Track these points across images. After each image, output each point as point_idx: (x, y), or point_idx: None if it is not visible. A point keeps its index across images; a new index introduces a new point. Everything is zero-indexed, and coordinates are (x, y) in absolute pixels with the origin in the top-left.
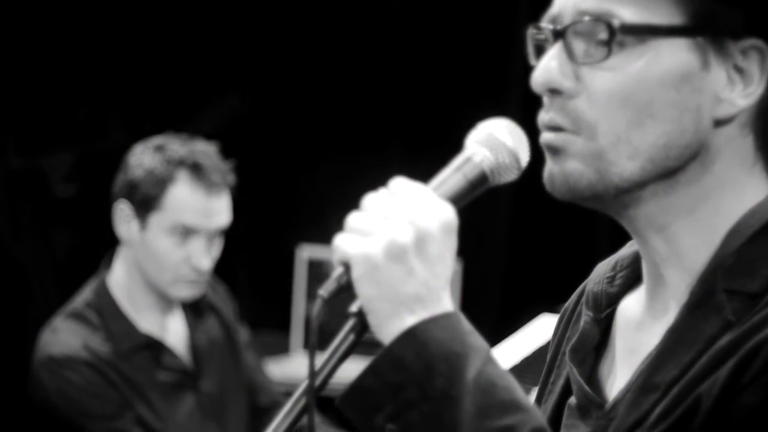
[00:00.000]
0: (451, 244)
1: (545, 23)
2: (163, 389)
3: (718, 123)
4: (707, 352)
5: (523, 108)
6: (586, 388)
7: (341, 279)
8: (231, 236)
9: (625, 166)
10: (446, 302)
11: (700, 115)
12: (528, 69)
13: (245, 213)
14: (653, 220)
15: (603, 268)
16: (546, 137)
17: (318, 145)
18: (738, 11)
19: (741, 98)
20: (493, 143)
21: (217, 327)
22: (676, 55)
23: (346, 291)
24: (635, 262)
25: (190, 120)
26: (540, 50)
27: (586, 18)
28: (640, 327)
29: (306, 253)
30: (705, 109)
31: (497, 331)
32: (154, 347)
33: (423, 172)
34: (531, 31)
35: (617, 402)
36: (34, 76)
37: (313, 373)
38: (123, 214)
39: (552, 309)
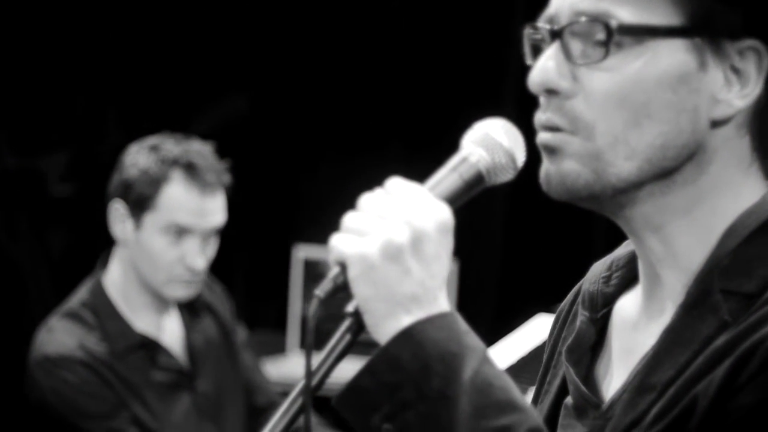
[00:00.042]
0: (447, 244)
1: (542, 23)
2: (159, 389)
3: (715, 124)
4: (703, 352)
5: (520, 108)
6: (583, 388)
7: (337, 279)
8: (228, 236)
9: (623, 166)
10: (442, 302)
11: (697, 116)
12: (524, 69)
13: (242, 213)
14: (650, 221)
15: (599, 268)
16: (543, 137)
17: (315, 145)
18: (735, 12)
19: (738, 99)
20: (489, 143)
21: (214, 327)
22: (673, 55)
23: (342, 291)
24: (631, 261)
25: (187, 120)
26: (536, 50)
27: (583, 18)
28: (637, 327)
29: (302, 252)
30: (702, 109)
31: (493, 331)
32: (150, 347)
33: (421, 172)
34: (527, 31)
35: (614, 402)
36: (31, 75)
37: (309, 373)
38: (118, 214)
39: (548, 309)
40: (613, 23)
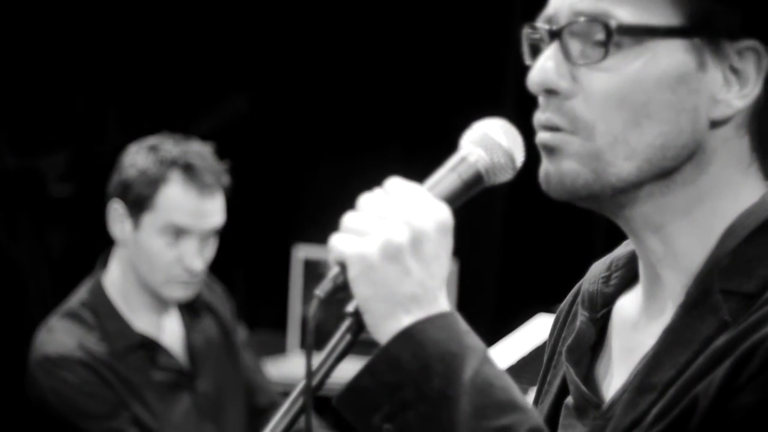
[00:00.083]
0: (446, 243)
1: (541, 23)
2: (159, 389)
3: (715, 124)
4: (704, 352)
5: (519, 108)
6: (583, 388)
7: (337, 279)
8: (228, 236)
9: (622, 166)
10: (442, 302)
11: (696, 116)
12: (524, 69)
13: (242, 213)
14: (649, 221)
15: (598, 268)
16: (542, 137)
17: (315, 146)
18: (734, 12)
19: (737, 99)
20: (488, 143)
21: (214, 327)
22: (673, 56)
23: (342, 291)
24: (631, 261)
25: (187, 120)
26: (535, 50)
27: (582, 18)
28: (637, 327)
29: (302, 253)
30: (701, 110)
31: (494, 331)
32: (150, 347)
33: (420, 172)
34: (526, 31)
35: (614, 402)
36: (31, 75)
37: (310, 373)
38: (117, 214)
39: (548, 309)
40: (613, 23)
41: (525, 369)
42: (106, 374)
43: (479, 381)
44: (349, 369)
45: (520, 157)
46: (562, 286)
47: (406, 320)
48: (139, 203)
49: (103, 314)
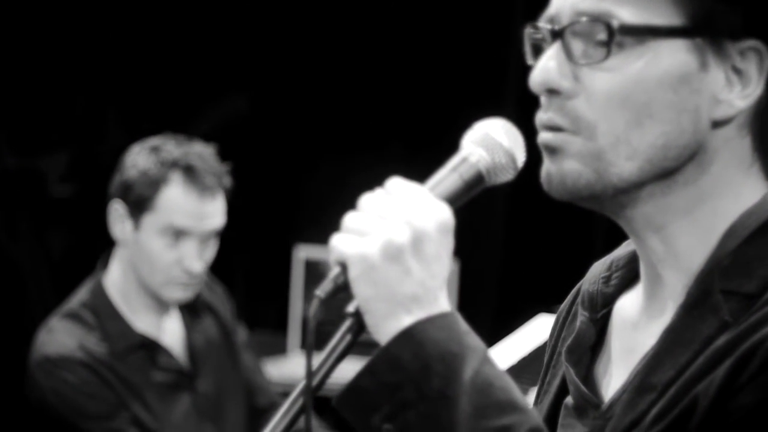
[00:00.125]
0: (447, 244)
1: (543, 23)
2: (159, 389)
3: (716, 124)
4: (704, 352)
5: (520, 108)
6: (583, 388)
7: (338, 279)
8: (228, 236)
9: (624, 166)
10: (443, 302)
11: (698, 116)
12: (525, 69)
13: (242, 213)
14: (651, 221)
15: (598, 268)
16: (544, 137)
17: (316, 145)
18: (736, 12)
19: (739, 99)
20: (489, 143)
21: (215, 327)
22: (674, 56)
23: (343, 291)
24: (631, 262)
25: (187, 120)
26: (537, 50)
27: (585, 18)
28: (637, 327)
29: (303, 253)
30: (703, 110)
31: (494, 331)
32: (150, 347)
33: (421, 172)
34: (528, 31)
35: (614, 402)
36: (31, 75)
37: (310, 374)
38: (117, 215)
39: (549, 309)
40: (615, 23)
41: (525, 369)
42: (107, 375)
43: (479, 381)
44: (349, 369)
45: (521, 157)
46: (562, 287)
47: (406, 320)
48: (139, 204)
49: (103, 315)
